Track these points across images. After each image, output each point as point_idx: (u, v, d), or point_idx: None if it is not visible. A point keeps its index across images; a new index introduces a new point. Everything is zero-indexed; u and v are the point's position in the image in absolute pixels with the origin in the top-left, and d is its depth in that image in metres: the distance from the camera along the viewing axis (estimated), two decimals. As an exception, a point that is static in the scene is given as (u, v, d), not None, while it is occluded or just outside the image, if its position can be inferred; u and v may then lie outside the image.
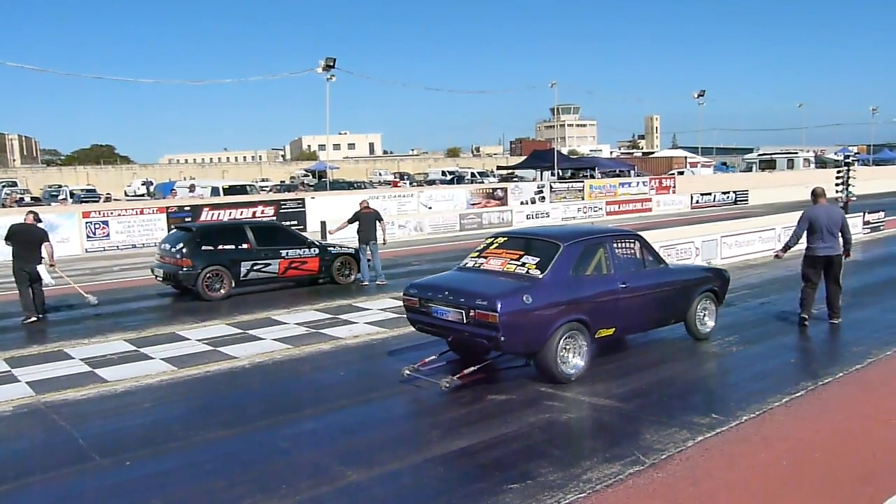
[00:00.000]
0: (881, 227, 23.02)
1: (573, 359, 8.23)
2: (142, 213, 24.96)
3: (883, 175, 55.47)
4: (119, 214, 24.59)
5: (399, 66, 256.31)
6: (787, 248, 10.82)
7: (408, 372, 8.53)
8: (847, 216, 20.99)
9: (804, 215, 10.62)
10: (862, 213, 22.57)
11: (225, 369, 9.15)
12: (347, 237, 17.32)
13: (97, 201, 40.91)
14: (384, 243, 16.19)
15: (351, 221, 16.22)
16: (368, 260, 15.78)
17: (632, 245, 9.27)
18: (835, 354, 9.14)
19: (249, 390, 8.46)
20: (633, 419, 6.97)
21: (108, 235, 23.96)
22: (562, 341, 8.03)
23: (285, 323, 11.72)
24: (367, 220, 15.83)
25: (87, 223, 23.66)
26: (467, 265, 9.03)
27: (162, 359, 9.57)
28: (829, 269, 10.51)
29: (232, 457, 6.38)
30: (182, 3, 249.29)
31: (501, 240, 9.19)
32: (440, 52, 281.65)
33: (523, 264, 8.38)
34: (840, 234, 10.44)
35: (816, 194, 10.80)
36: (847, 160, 27.82)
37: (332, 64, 33.86)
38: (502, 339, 7.67)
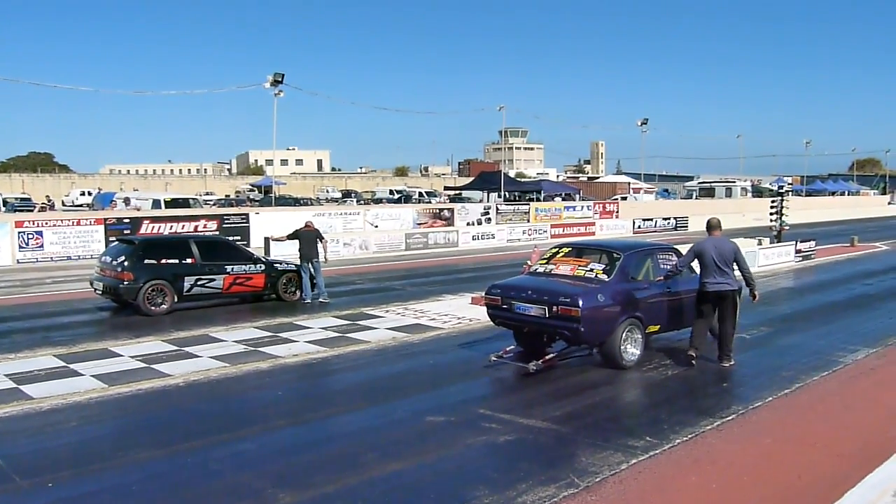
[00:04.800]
0: (812, 256, 23.82)
1: (631, 349, 9.69)
2: (78, 224, 24.27)
3: (815, 205, 57.68)
4: (54, 225, 23.86)
5: (349, 83, 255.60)
6: (666, 276, 10.02)
7: (494, 358, 9.87)
8: (775, 246, 21.51)
9: (691, 248, 10.05)
10: (794, 242, 23.36)
11: (158, 387, 8.91)
12: (292, 253, 17.17)
13: (32, 210, 39.63)
14: (325, 261, 16.07)
15: (290, 237, 16.13)
16: (311, 278, 15.65)
17: (670, 256, 10.68)
18: (765, 379, 9.36)
19: (182, 409, 8.25)
20: (570, 442, 7.03)
21: (41, 246, 23.20)
22: (624, 333, 9.51)
23: (223, 340, 11.49)
24: (307, 237, 15.70)
25: (19, 233, 22.88)
26: (538, 270, 10.56)
27: (92, 375, 9.26)
28: (719, 306, 9.83)
29: (161, 478, 6.20)
30: (125, 12, 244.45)
31: (566, 249, 10.87)
32: (391, 71, 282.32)
33: (591, 270, 9.97)
34: (735, 269, 9.83)
35: (711, 226, 10.12)
36: (781, 190, 28.71)
37: (280, 79, 33.60)
38: (582, 330, 9.10)
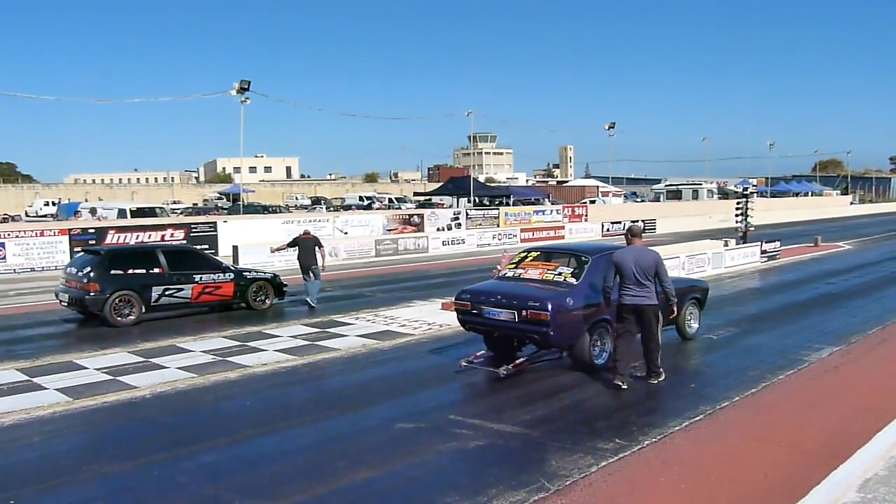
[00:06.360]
0: (777, 256, 24.21)
1: (600, 351, 9.75)
2: (42, 234, 23.82)
3: (779, 206, 58.71)
4: (17, 236, 23.40)
5: (316, 90, 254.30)
6: (607, 300, 9.32)
7: (464, 363, 9.92)
8: (741, 247, 21.53)
9: (611, 259, 9.32)
10: (760, 243, 23.73)
11: (124, 400, 8.77)
12: (265, 262, 17.09)
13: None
14: (323, 269, 16.13)
15: (290, 245, 16.31)
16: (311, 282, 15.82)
17: None
18: (732, 379, 9.47)
19: (149, 422, 8.13)
20: (540, 446, 7.05)
21: (4, 258, 22.71)
22: (593, 336, 9.61)
23: (191, 351, 11.35)
24: (305, 246, 15.83)
25: (-20, 245, 22.39)
26: (507, 275, 10.59)
27: (56, 389, 9.08)
28: (639, 321, 9.06)
29: (127, 492, 6.10)
30: (89, 20, 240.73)
31: (535, 254, 10.87)
32: (359, 78, 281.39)
33: (559, 273, 9.99)
34: (655, 282, 9.01)
35: (633, 233, 9.38)
36: (746, 192, 29.14)
37: (246, 87, 33.34)
38: (551, 333, 9.16)
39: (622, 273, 9.04)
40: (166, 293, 14.09)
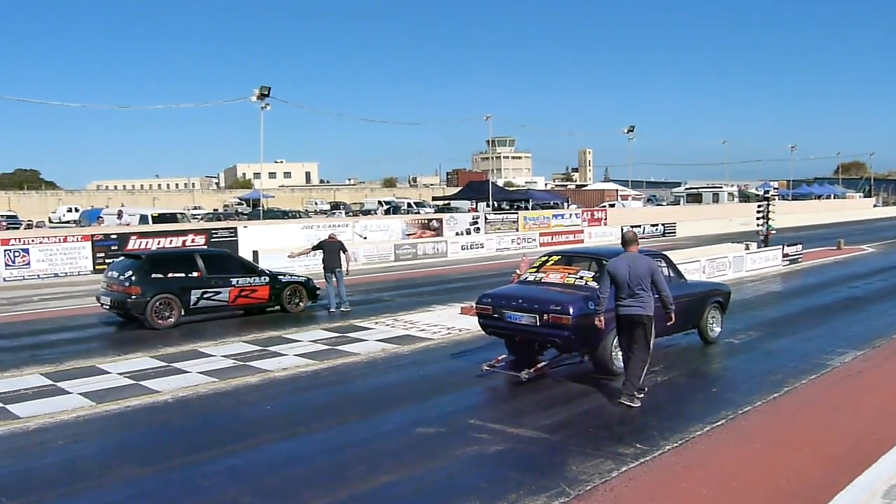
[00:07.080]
0: (799, 259, 23.97)
1: (622, 355, 9.13)
2: (65, 240, 24.11)
3: (801, 209, 58.14)
4: (41, 242, 23.70)
5: (335, 96, 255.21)
6: (595, 311, 8.97)
7: (486, 367, 9.85)
8: (762, 250, 21.28)
9: (604, 269, 8.93)
10: (781, 246, 23.51)
11: (146, 404, 8.86)
12: (284, 266, 17.22)
13: (18, 228, 39.39)
14: (346, 273, 16.32)
15: (315, 248, 16.70)
16: (334, 287, 16.05)
17: (660, 263, 10.28)
18: (754, 384, 9.38)
19: (170, 426, 8.20)
20: (560, 450, 7.02)
21: (28, 264, 23.02)
22: (614, 341, 9.29)
23: (212, 355, 11.43)
24: (331, 249, 16.20)
25: (5, 251, 22.69)
26: (528, 279, 10.59)
27: (80, 393, 9.19)
28: (633, 332, 8.54)
29: (148, 496, 6.15)
30: (111, 28, 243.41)
31: (556, 258, 10.88)
32: (377, 83, 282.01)
33: (581, 277, 9.97)
34: (653, 291, 8.47)
35: (627, 241, 8.82)
36: (767, 195, 28.86)
37: (266, 93, 33.54)
38: (573, 337, 9.15)
39: (616, 282, 8.52)
40: (205, 296, 14.37)
